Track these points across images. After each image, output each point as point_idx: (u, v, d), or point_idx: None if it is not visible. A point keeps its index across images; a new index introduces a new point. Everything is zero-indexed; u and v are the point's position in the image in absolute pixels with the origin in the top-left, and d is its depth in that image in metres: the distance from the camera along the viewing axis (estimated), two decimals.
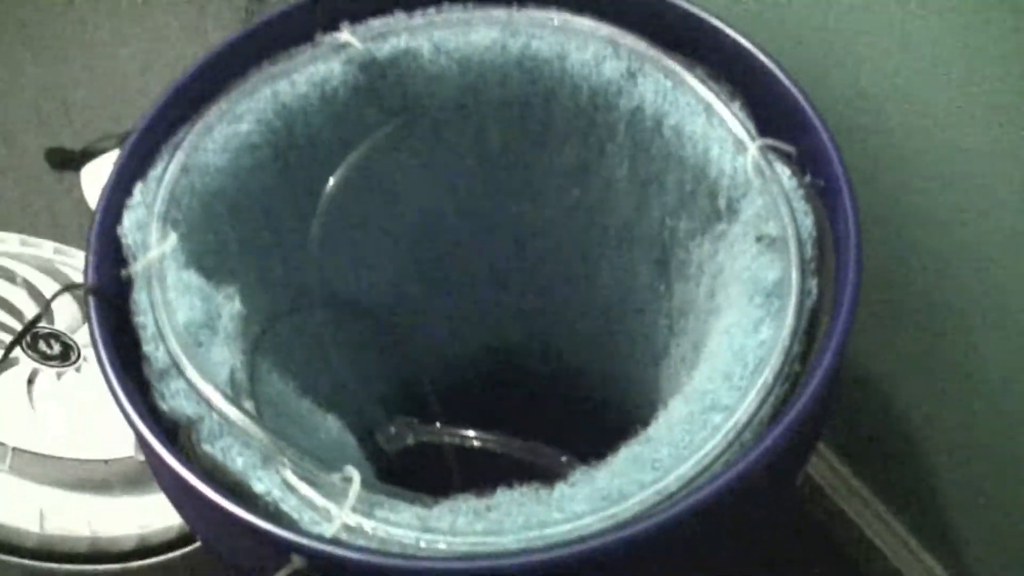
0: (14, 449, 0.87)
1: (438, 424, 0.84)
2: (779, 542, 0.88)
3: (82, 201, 1.51)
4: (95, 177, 1.50)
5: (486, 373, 1.00)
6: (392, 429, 0.82)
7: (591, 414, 0.96)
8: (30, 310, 1.00)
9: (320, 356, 0.81)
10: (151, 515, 0.92)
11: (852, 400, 0.95)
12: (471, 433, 0.81)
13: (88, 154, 1.55)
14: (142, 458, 0.91)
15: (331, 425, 0.70)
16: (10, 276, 1.04)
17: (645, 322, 0.85)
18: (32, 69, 1.70)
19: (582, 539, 0.50)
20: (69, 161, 1.56)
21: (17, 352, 0.96)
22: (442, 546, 0.51)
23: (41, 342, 0.98)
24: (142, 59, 1.70)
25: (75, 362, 0.99)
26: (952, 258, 0.77)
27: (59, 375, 0.97)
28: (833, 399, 0.60)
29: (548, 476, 0.56)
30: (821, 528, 1.07)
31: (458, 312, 0.95)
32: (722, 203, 0.67)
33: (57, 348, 0.99)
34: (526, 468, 0.84)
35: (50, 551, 0.85)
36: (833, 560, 1.06)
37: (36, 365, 0.96)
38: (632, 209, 0.78)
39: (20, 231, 1.43)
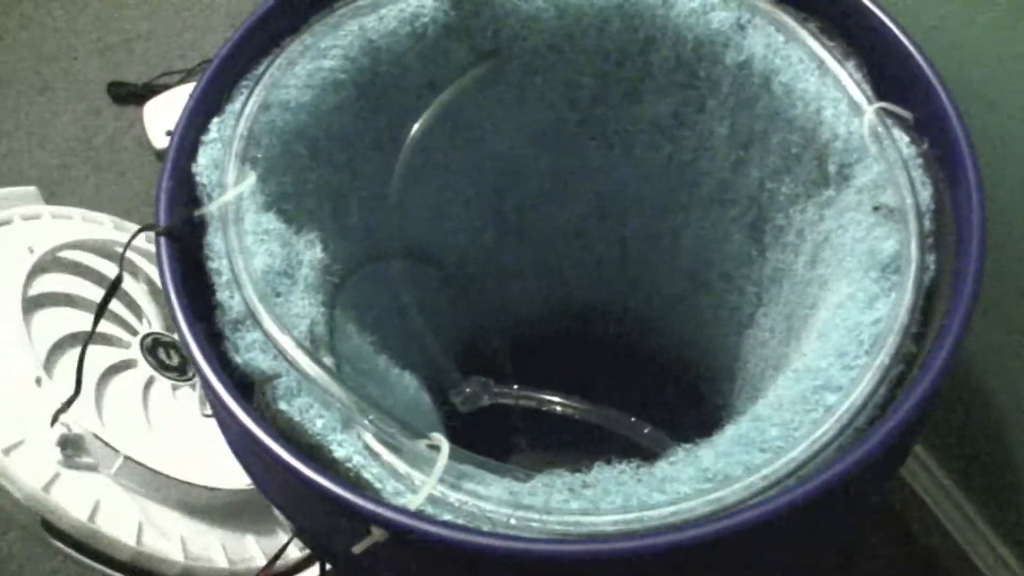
0: (125, 458, 0.84)
1: (515, 386, 0.81)
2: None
3: (144, 136, 1.49)
4: (158, 113, 1.48)
5: (558, 332, 0.97)
6: (468, 389, 0.79)
7: (670, 381, 0.92)
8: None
9: (396, 310, 0.78)
10: (244, 551, 0.89)
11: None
12: (550, 397, 0.78)
13: (151, 89, 1.52)
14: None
15: (408, 383, 0.67)
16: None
17: (732, 288, 0.81)
18: (95, 3, 1.68)
19: (685, 523, 0.47)
20: (131, 95, 1.53)
21: (138, 355, 0.94)
22: (535, 524, 0.48)
23: (160, 350, 0.96)
24: None
25: (191, 378, 0.97)
26: None
27: (174, 388, 0.95)
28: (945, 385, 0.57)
29: (628, 448, 0.53)
30: (894, 513, 1.02)
31: (535, 266, 0.91)
32: (832, 168, 0.63)
33: (175, 359, 0.96)
34: (603, 440, 0.82)
35: (142, 568, 0.82)
36: (905, 547, 1.02)
37: (152, 372, 0.94)
38: (728, 169, 0.74)
39: (84, 162, 1.42)
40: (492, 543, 0.47)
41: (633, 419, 0.75)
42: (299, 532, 0.61)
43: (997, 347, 0.82)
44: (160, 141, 1.45)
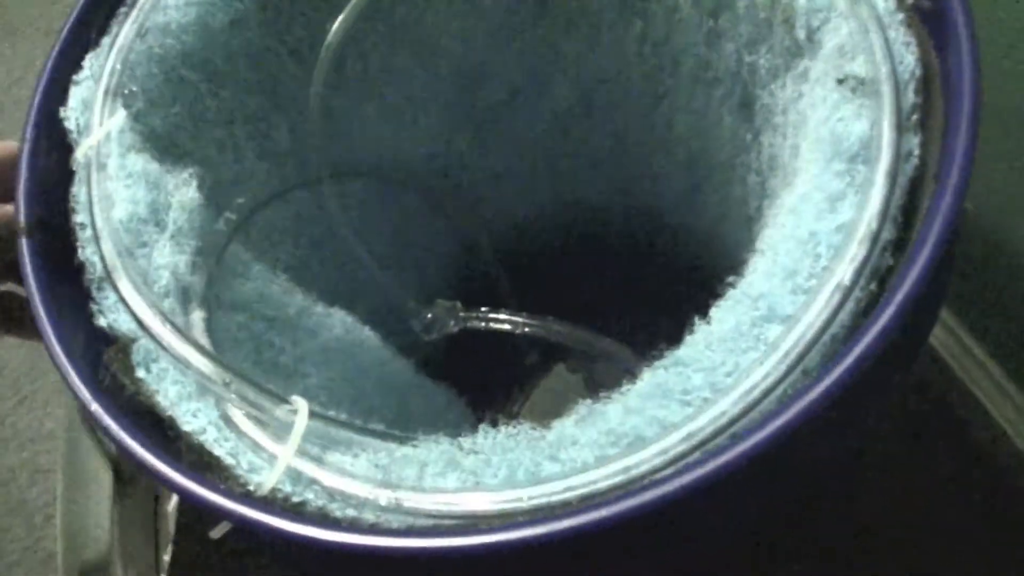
0: None
1: (483, 308, 0.71)
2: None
3: None
4: None
5: (562, 240, 0.86)
6: (429, 315, 0.70)
7: (686, 289, 0.82)
8: None
9: (337, 237, 0.69)
10: None
11: (979, 262, 0.78)
12: (522, 319, 0.68)
13: None
14: None
15: (334, 323, 0.59)
16: None
17: (735, 177, 0.70)
18: None
19: (581, 501, 0.38)
20: None
21: None
22: (407, 504, 0.40)
23: None
24: None
25: None
26: None
27: None
28: (940, 295, 0.45)
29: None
30: (941, 405, 0.90)
31: (525, 166, 0.81)
32: (801, 33, 0.51)
33: None
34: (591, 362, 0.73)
35: None
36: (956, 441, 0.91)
37: None
38: (703, 43, 0.63)
39: None
40: (344, 539, 0.38)
41: (620, 344, 0.66)
42: None
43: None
44: None
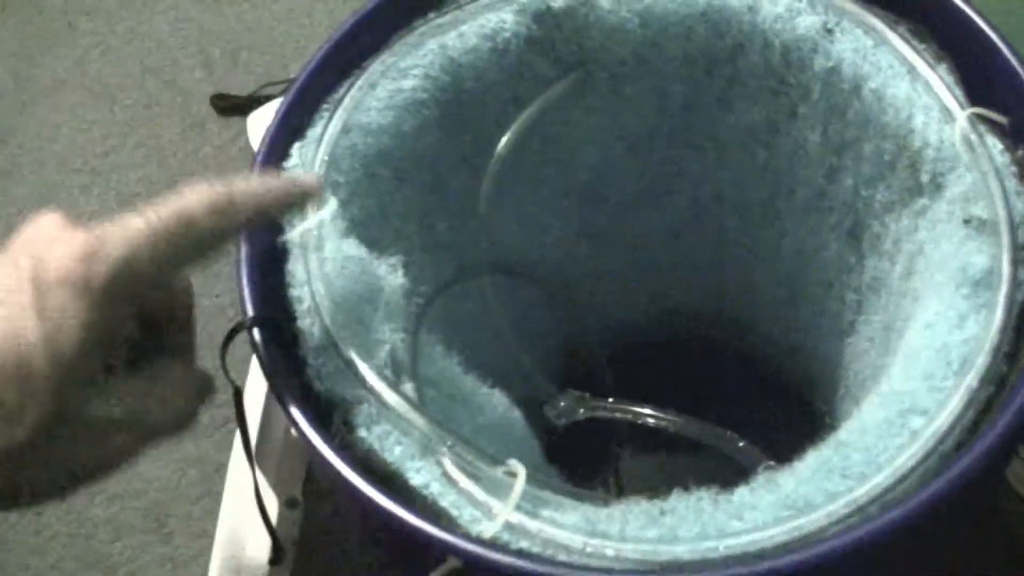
0: None
1: (610, 399, 0.80)
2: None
3: (248, 147, 1.52)
4: (262, 124, 1.50)
5: (658, 340, 0.96)
6: (562, 402, 0.79)
7: (770, 390, 0.91)
8: None
9: (486, 325, 0.78)
10: None
11: None
12: (645, 410, 0.77)
13: (255, 100, 1.55)
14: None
15: (497, 402, 0.67)
16: None
17: (832, 295, 0.80)
18: (197, 15, 1.71)
19: (763, 552, 0.46)
20: (235, 107, 1.56)
21: None
22: (610, 552, 0.48)
23: None
24: (307, 5, 1.69)
25: None
26: None
27: None
28: None
29: (721, 460, 0.52)
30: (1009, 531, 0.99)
31: (631, 270, 0.90)
32: (925, 177, 0.61)
33: None
34: (698, 449, 0.81)
35: None
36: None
37: None
38: (823, 176, 0.73)
39: (192, 174, 1.45)
40: (566, 573, 0.47)
41: (728, 432, 0.74)
42: (387, 553, 0.61)
43: None
44: None
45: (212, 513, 1.09)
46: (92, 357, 0.44)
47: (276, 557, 0.82)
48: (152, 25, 1.70)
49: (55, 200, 1.50)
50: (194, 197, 0.48)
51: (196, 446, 1.19)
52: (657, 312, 0.94)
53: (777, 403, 0.90)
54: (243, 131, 1.53)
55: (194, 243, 0.48)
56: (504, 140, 0.72)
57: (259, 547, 0.83)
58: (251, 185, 0.51)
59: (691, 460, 0.85)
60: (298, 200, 0.55)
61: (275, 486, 0.82)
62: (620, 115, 0.77)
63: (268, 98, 1.54)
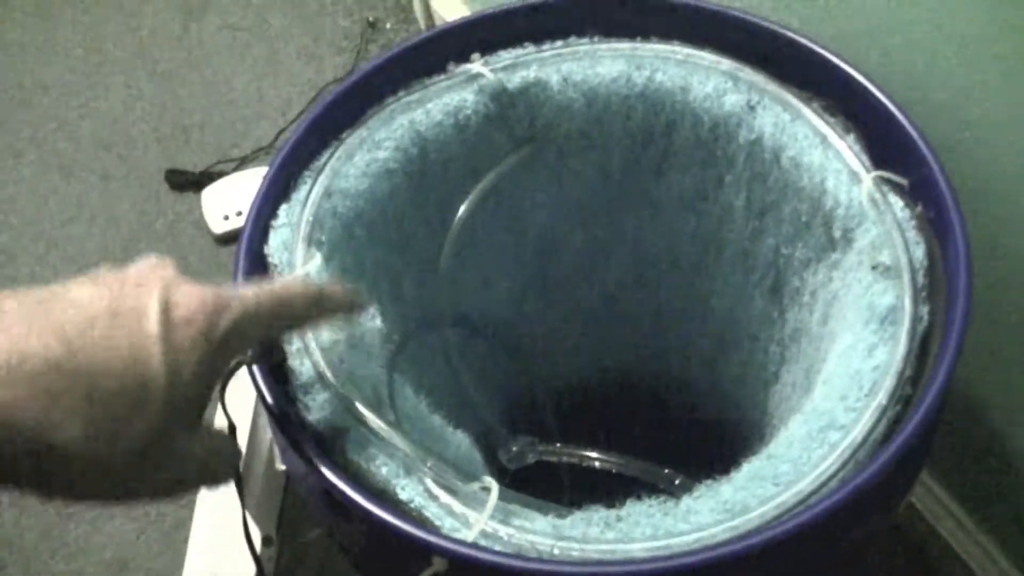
0: None
1: (558, 444, 0.88)
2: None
3: (203, 220, 1.58)
4: (215, 199, 1.58)
5: (603, 393, 1.04)
6: (514, 447, 0.86)
7: (703, 435, 0.99)
8: None
9: (448, 373, 0.85)
10: None
11: (956, 425, 0.97)
12: (590, 453, 0.85)
13: (208, 176, 1.62)
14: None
15: (460, 440, 0.74)
16: None
17: (758, 348, 0.88)
18: (151, 92, 1.77)
19: (707, 548, 0.54)
20: (189, 182, 1.63)
21: None
22: (575, 553, 0.55)
23: None
24: (257, 84, 1.77)
25: None
26: None
27: None
28: (940, 420, 0.63)
29: (661, 495, 0.60)
30: (917, 551, 1.08)
31: (577, 331, 0.99)
32: (837, 232, 0.70)
33: None
34: (638, 488, 0.88)
35: None
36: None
37: None
38: (748, 237, 0.82)
39: (146, 247, 1.50)
40: (538, 568, 0.54)
41: (666, 471, 0.82)
42: (370, 571, 0.67)
43: (1007, 383, 0.89)
44: (218, 226, 1.55)
45: (172, 569, 1.14)
46: (201, 395, 0.50)
47: None
48: (107, 101, 1.76)
49: (12, 267, 1.55)
50: (293, 286, 0.56)
51: (155, 504, 1.23)
52: (600, 367, 1.02)
53: (713, 444, 0.98)
54: (196, 205, 1.59)
55: (286, 320, 0.55)
56: (464, 206, 0.80)
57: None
58: (334, 289, 0.58)
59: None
60: (350, 308, 0.62)
61: (256, 523, 0.86)
62: (566, 184, 0.85)
63: (221, 174, 1.62)
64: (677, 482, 0.83)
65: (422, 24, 1.78)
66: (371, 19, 1.83)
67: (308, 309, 0.56)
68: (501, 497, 0.59)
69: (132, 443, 0.46)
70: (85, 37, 1.86)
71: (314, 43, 1.82)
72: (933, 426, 0.61)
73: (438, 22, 1.69)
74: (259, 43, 1.83)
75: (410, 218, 0.79)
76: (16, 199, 1.65)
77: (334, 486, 0.58)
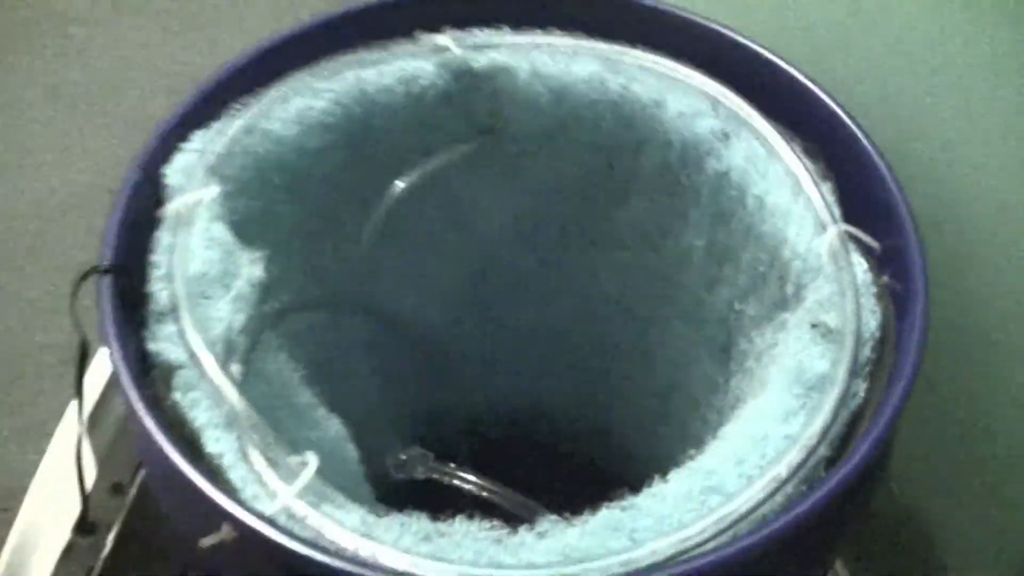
0: None
1: (451, 464, 0.79)
2: None
3: None
4: None
5: (520, 430, 0.95)
6: (402, 456, 0.77)
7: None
8: None
9: (346, 360, 0.77)
10: None
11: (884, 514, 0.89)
12: (481, 481, 0.76)
13: None
14: None
15: (330, 426, 0.66)
16: None
17: (697, 416, 0.80)
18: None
19: None
20: None
21: None
22: (381, 560, 0.47)
23: None
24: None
25: None
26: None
27: None
28: (854, 512, 0.54)
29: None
30: None
31: (508, 359, 0.90)
32: (790, 289, 0.62)
33: None
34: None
35: None
36: None
37: None
38: (704, 287, 0.74)
39: None
40: (328, 563, 0.46)
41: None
42: (167, 519, 0.60)
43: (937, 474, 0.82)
44: None
45: None
46: None
47: (83, 526, 0.79)
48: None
49: None
50: None
51: None
52: (526, 405, 0.94)
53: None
54: None
55: None
56: (401, 183, 0.72)
57: (70, 513, 0.80)
58: None
59: None
60: None
61: (103, 463, 0.80)
62: (519, 193, 0.78)
63: None
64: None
65: None
66: None
67: None
68: (322, 477, 0.51)
69: None
70: None
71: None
72: (840, 515, 0.52)
73: None
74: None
75: (342, 184, 0.71)
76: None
77: (136, 417, 0.51)
